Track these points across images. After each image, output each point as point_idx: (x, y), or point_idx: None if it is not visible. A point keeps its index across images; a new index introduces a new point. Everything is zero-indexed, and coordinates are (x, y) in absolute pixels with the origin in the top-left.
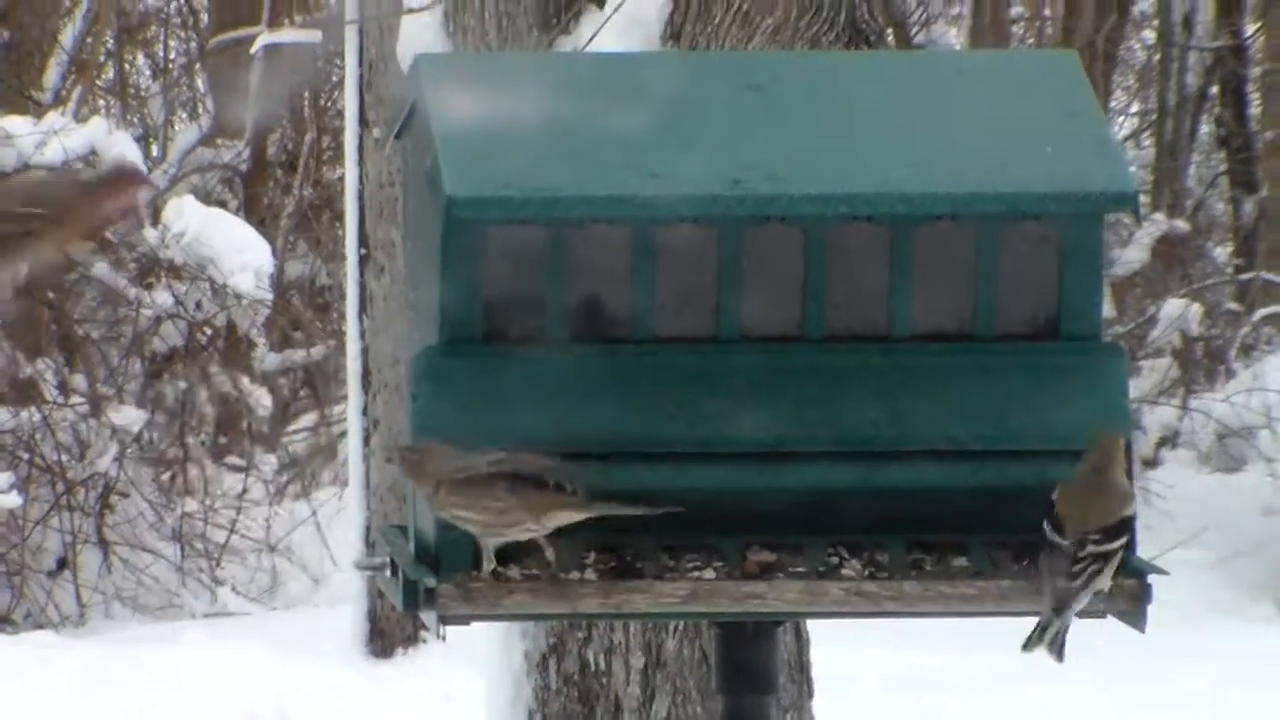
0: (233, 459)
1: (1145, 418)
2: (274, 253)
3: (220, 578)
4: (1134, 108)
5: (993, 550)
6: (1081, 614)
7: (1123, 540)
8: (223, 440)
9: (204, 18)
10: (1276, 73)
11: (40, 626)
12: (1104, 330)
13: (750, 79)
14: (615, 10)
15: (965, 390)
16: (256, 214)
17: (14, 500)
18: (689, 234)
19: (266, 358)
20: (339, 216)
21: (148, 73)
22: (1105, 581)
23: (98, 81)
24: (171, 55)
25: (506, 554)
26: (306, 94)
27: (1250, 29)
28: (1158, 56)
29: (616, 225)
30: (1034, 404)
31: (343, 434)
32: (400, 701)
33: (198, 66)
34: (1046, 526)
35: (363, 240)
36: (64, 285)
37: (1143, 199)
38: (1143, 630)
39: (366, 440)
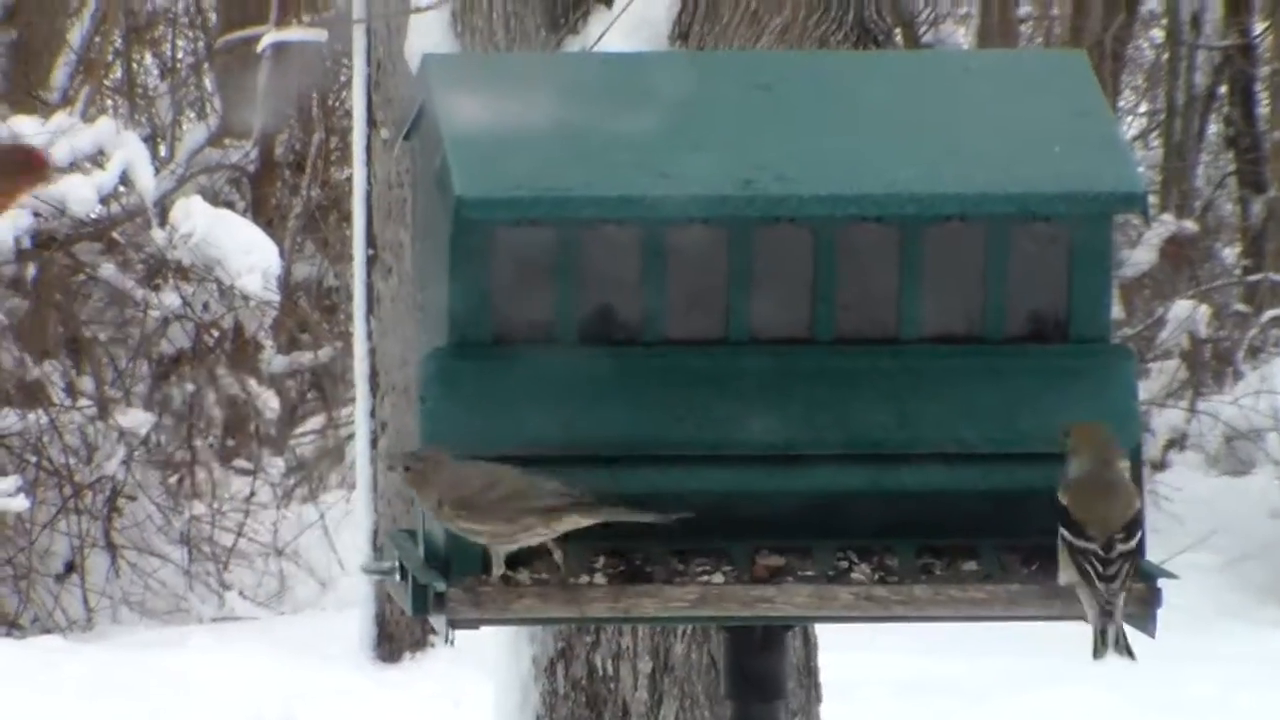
0: (240, 462)
1: (1153, 420)
2: (281, 254)
3: (228, 582)
4: (1142, 107)
5: (1003, 554)
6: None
7: (1140, 535)
8: (230, 443)
9: (212, 17)
10: None
11: (47, 630)
12: (1113, 332)
13: (759, 79)
14: (623, 10)
15: (974, 393)
16: (264, 215)
17: (21, 503)
18: (699, 235)
19: (274, 360)
20: (346, 217)
21: (155, 72)
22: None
23: (105, 81)
24: (179, 55)
25: (516, 558)
26: (314, 94)
27: (1259, 28)
28: (1166, 56)
29: (626, 226)
30: (1043, 406)
31: (350, 437)
32: (408, 706)
33: (205, 66)
34: (1067, 533)
35: (370, 241)
36: (71, 287)
37: (1151, 199)
38: (1153, 635)
39: (374, 443)
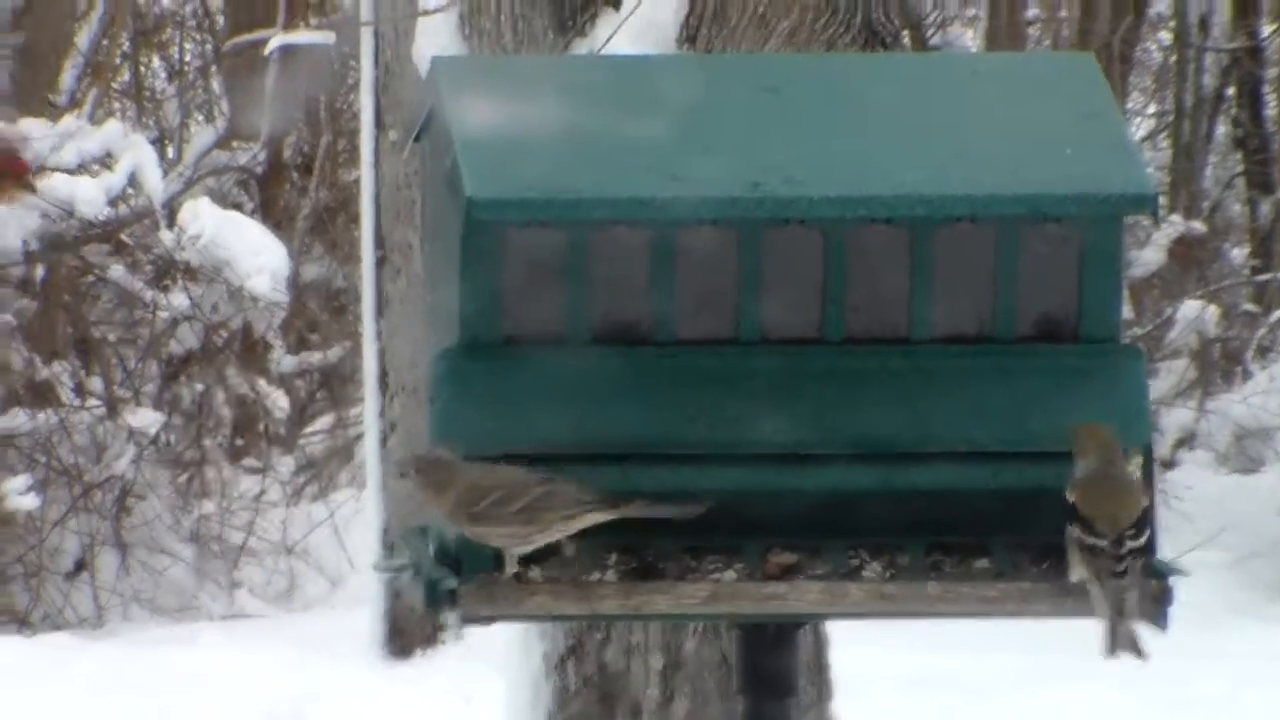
0: (250, 461)
1: (1163, 419)
2: (290, 255)
3: (238, 580)
4: (1150, 109)
5: (1013, 552)
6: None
7: (1150, 531)
8: (240, 442)
9: (220, 20)
10: None
11: (58, 628)
12: (1122, 332)
13: (767, 81)
14: (631, 13)
15: (985, 392)
16: (272, 216)
17: (31, 502)
18: (709, 236)
19: (283, 360)
20: (355, 219)
21: (163, 75)
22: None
23: (113, 84)
24: (187, 58)
25: (528, 555)
26: (322, 97)
27: (1267, 30)
28: (1174, 58)
29: (636, 228)
30: (1054, 406)
31: (360, 436)
32: (419, 703)
33: (213, 69)
34: (1077, 530)
35: (379, 242)
36: (80, 288)
37: (1160, 200)
38: (1164, 630)
39: (384, 442)
